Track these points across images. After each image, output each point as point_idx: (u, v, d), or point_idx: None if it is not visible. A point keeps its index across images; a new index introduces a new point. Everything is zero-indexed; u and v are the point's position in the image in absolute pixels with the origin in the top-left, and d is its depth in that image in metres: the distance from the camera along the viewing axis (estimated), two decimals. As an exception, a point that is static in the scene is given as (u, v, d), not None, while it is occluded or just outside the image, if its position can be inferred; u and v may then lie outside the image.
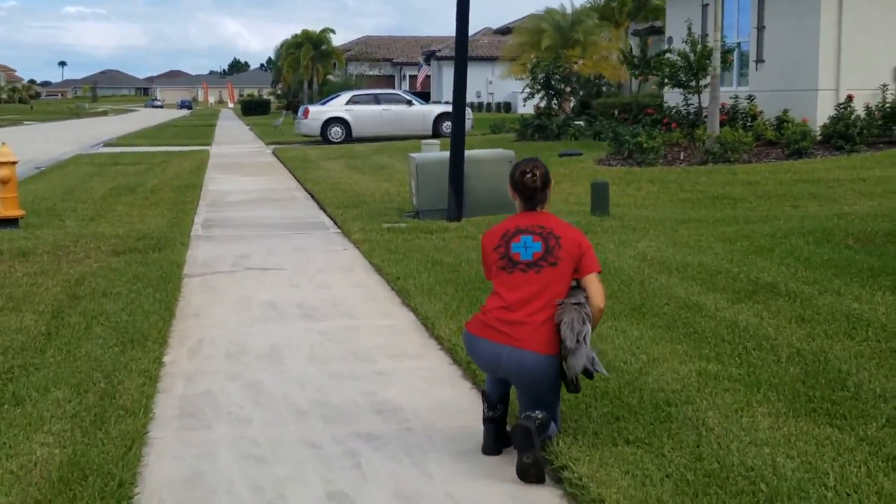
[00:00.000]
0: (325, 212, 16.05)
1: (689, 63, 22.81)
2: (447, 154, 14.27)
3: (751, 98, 23.40)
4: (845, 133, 20.43)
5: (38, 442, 5.39)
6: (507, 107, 63.59)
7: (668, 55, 25.10)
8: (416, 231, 12.85)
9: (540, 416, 5.04)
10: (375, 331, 8.16)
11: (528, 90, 31.18)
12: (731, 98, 23.58)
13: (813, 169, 18.62)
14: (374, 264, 10.80)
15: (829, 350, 6.55)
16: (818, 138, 20.91)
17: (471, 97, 61.56)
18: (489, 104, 64.28)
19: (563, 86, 32.24)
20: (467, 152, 14.09)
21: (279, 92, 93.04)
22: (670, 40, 28.16)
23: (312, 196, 18.49)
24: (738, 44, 24.93)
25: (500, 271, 5.22)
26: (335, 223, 14.60)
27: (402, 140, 34.26)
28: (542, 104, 31.12)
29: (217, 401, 6.36)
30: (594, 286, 5.17)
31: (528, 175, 5.26)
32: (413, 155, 14.91)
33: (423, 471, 5.20)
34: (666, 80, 23.97)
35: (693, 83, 23.15)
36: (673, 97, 25.93)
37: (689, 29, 23.32)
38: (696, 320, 7.49)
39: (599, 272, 5.24)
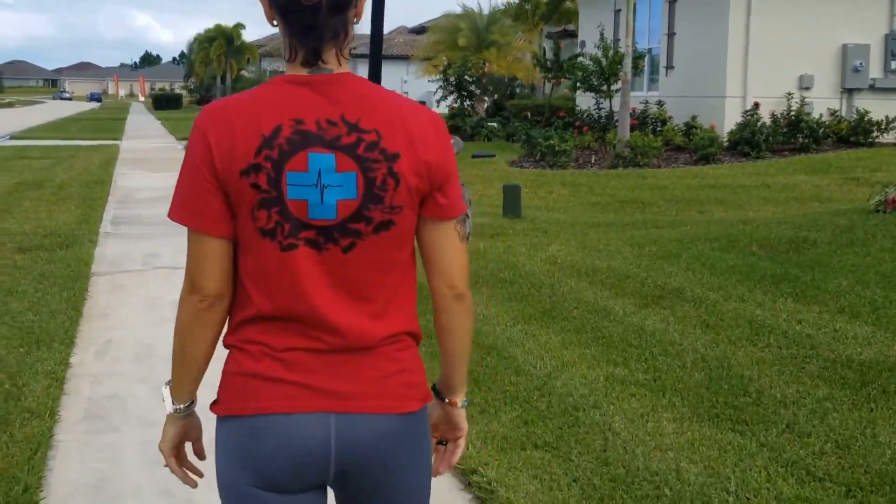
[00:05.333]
0: (236, 210, 15.89)
1: (601, 68, 23.14)
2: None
3: (660, 104, 23.79)
4: (751, 140, 20.89)
5: (-61, 445, 5.29)
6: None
7: (580, 59, 25.41)
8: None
9: None
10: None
11: (440, 91, 31.26)
12: (641, 103, 23.93)
13: (720, 175, 18.96)
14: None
15: (732, 356, 6.70)
16: (725, 144, 21.31)
17: (385, 96, 61.45)
18: (403, 103, 64.32)
19: (474, 87, 32.37)
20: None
21: (191, 87, 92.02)
22: (583, 44, 28.49)
23: (224, 194, 18.29)
24: (650, 49, 25.31)
25: (261, 239, 2.21)
26: (247, 222, 14.47)
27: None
28: (456, 105, 31.24)
29: (124, 403, 6.29)
30: (455, 250, 2.38)
31: None
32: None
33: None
34: (578, 84, 24.28)
35: (605, 88, 23.45)
36: (585, 100, 26.25)
37: (602, 34, 23.61)
38: (605, 325, 7.60)
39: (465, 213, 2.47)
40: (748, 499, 4.55)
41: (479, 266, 9.98)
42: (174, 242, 12.49)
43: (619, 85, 22.68)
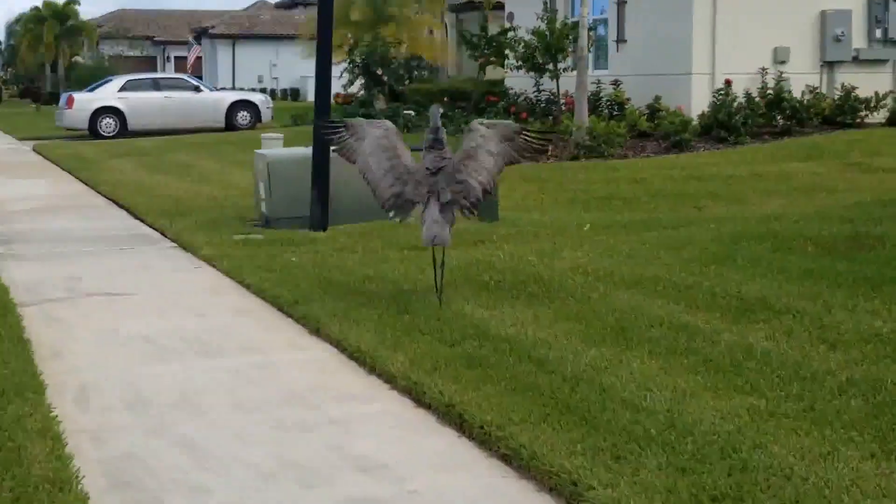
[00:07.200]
0: (143, 222, 15.31)
1: (546, 43, 22.92)
2: (303, 151, 13.82)
3: (616, 84, 23.69)
4: (728, 123, 20.94)
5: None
6: (295, 93, 63.02)
7: (511, 33, 25.27)
8: (277, 244, 12.35)
9: None
10: (294, 367, 7.75)
11: (346, 76, 30.89)
12: (591, 83, 23.85)
13: (700, 164, 19.01)
14: (250, 285, 10.28)
15: (885, 377, 6.47)
16: (698, 129, 21.36)
17: (250, 82, 60.78)
18: (273, 90, 63.12)
19: (379, 70, 32.05)
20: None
21: (8, 77, 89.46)
22: (510, 16, 28.29)
23: (116, 203, 17.68)
24: (596, 23, 25.21)
25: None
26: (164, 236, 13.93)
27: (190, 133, 33.36)
28: (361, 93, 30.94)
29: (149, 465, 5.81)
30: None
31: None
32: (262, 152, 14.39)
33: (461, 545, 4.85)
34: (520, 63, 23.99)
35: (551, 66, 23.27)
36: (517, 82, 26.09)
37: (546, 4, 23.46)
38: (700, 346, 7.31)
39: None
40: None
41: (494, 277, 9.68)
42: (93, 263, 11.97)
43: (566, 63, 22.63)
